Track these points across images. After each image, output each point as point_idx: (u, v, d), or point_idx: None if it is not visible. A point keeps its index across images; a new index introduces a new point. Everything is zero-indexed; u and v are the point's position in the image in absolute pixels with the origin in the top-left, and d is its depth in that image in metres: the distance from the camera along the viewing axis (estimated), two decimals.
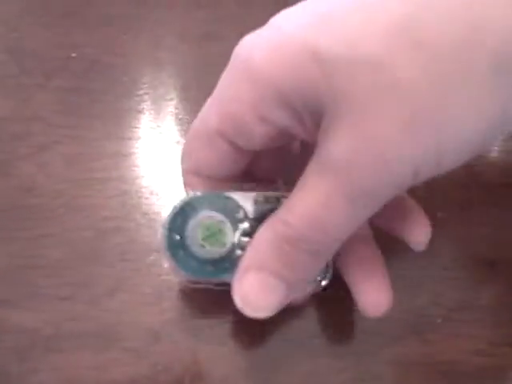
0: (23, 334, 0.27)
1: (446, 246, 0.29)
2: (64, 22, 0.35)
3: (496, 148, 0.32)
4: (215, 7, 0.35)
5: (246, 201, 0.26)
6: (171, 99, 0.33)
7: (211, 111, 0.25)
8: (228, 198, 0.26)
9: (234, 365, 0.27)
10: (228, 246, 0.25)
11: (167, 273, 0.28)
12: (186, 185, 0.27)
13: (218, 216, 0.26)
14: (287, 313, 0.25)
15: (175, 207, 0.25)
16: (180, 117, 0.33)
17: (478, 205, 0.31)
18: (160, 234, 0.25)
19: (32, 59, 0.34)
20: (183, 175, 0.27)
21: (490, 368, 0.27)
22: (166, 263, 0.26)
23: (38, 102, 0.32)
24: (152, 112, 0.33)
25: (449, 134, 0.21)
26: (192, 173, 0.27)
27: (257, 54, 0.22)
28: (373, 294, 0.26)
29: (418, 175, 0.21)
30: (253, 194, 0.26)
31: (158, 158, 0.31)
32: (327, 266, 0.26)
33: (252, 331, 0.28)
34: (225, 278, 0.25)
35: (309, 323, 0.28)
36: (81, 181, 0.30)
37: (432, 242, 0.25)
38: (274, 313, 0.24)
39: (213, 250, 0.25)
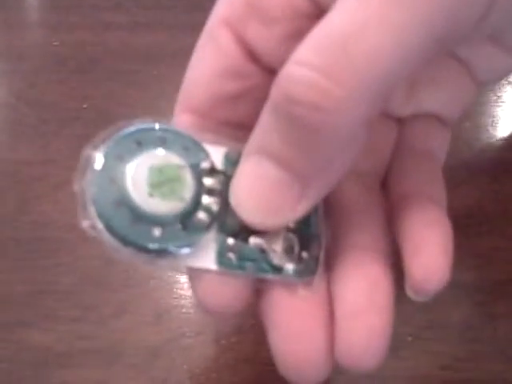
0: (38, 352, 0.29)
1: None
2: (76, 77, 0.39)
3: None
4: None
5: (216, 153, 0.19)
6: None
7: (219, 4, 0.20)
8: (192, 140, 0.19)
9: (226, 379, 0.30)
10: (188, 200, 0.18)
11: (164, 297, 0.31)
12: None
13: (176, 158, 0.18)
14: None
15: (113, 139, 0.18)
16: None
17: None
18: (81, 175, 0.18)
19: (48, 110, 0.38)
20: (174, 115, 0.21)
21: (456, 382, 0.30)
22: (86, 221, 0.18)
23: (54, 148, 0.36)
24: None
25: None
26: (185, 109, 0.21)
27: None
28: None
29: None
30: (224, 148, 0.19)
31: None
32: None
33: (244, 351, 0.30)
34: (175, 250, 0.18)
35: None
36: None
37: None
38: (284, 221, 0.18)
39: (165, 204, 0.18)
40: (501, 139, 0.39)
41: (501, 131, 0.39)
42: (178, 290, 0.31)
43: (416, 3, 0.15)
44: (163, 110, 0.38)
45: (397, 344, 0.31)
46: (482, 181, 0.36)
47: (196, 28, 0.42)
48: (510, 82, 0.41)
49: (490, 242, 0.34)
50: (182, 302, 0.31)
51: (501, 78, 0.21)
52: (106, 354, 0.30)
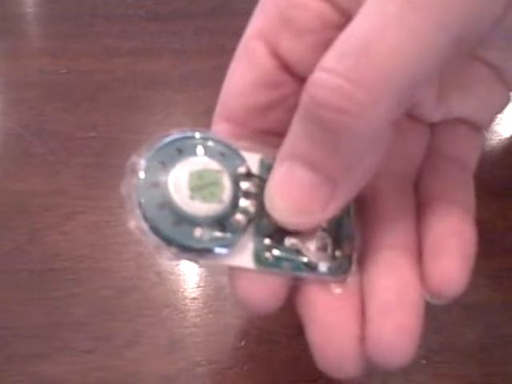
0: None
1: None
2: (83, 105, 0.39)
3: None
4: (216, 87, 0.40)
5: (252, 159, 0.20)
6: None
7: (254, 18, 0.21)
8: (229, 146, 0.20)
9: None
10: (226, 202, 0.19)
11: (177, 326, 0.31)
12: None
13: (214, 164, 0.19)
14: None
15: (155, 147, 0.19)
16: None
17: None
18: (127, 180, 0.19)
19: (56, 139, 0.38)
20: (212, 125, 0.22)
21: None
22: (133, 222, 0.19)
23: (63, 177, 0.36)
24: None
25: None
26: (222, 118, 0.22)
27: None
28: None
29: None
30: (259, 154, 0.21)
31: None
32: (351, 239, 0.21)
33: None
34: (215, 249, 0.19)
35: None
36: (101, 246, 0.34)
37: None
38: (315, 221, 0.19)
39: (205, 207, 0.19)
40: (507, 155, 0.39)
41: (507, 149, 0.39)
42: (192, 319, 0.32)
43: (432, 6, 0.16)
44: None
45: (410, 367, 0.31)
46: (490, 201, 0.36)
47: (202, 53, 0.43)
48: None
49: (499, 263, 0.34)
50: (196, 330, 0.31)
51: None
52: None
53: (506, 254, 0.34)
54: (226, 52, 0.22)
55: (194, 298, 0.32)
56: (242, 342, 0.31)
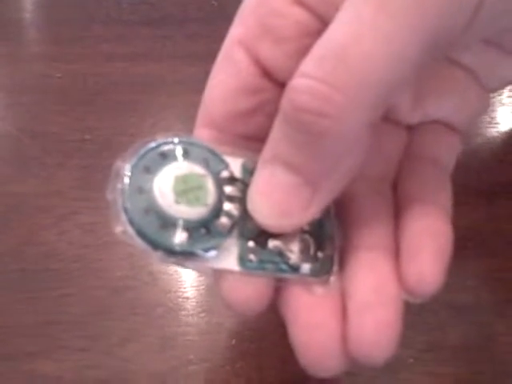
0: (48, 382, 0.30)
1: None
2: (79, 108, 0.40)
3: None
4: None
5: (234, 163, 0.21)
6: None
7: (234, 26, 0.22)
8: (212, 151, 0.21)
9: None
10: (211, 206, 0.19)
11: (170, 324, 0.32)
12: None
13: (198, 168, 0.20)
14: None
15: (139, 153, 0.20)
16: None
17: None
18: (113, 186, 0.19)
19: (52, 142, 0.38)
20: (194, 130, 0.23)
21: None
22: (119, 227, 0.19)
23: (58, 179, 0.37)
24: None
25: None
26: (204, 124, 0.22)
27: None
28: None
29: None
30: (241, 159, 0.21)
31: None
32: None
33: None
34: (201, 253, 0.19)
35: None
36: (95, 246, 0.34)
37: None
38: (297, 223, 0.20)
39: (190, 210, 0.19)
40: (496, 160, 0.39)
41: (496, 152, 0.40)
42: (184, 318, 0.32)
43: (406, 11, 0.16)
44: None
45: (398, 366, 0.31)
46: (479, 202, 0.36)
47: (195, 58, 0.44)
48: (503, 104, 0.42)
49: (487, 263, 0.34)
50: (188, 329, 0.32)
51: (507, 85, 0.22)
52: (115, 383, 0.30)
53: (495, 255, 0.35)
54: None
55: (187, 298, 0.33)
56: (234, 341, 0.32)
